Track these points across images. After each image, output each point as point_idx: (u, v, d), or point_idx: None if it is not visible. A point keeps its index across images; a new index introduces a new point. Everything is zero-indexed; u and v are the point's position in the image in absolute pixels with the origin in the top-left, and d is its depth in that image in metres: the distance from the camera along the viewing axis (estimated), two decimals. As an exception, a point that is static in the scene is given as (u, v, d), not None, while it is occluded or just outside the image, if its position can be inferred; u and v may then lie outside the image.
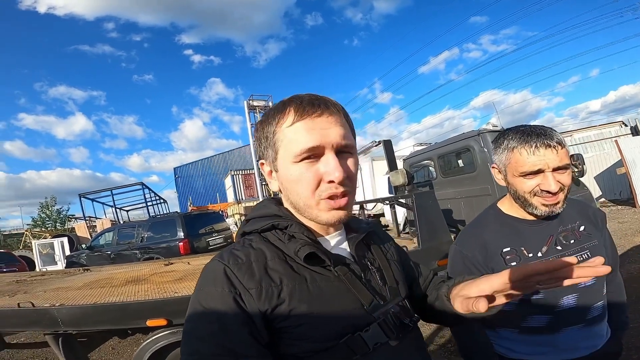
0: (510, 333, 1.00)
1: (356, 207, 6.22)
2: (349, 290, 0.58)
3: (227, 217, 13.62)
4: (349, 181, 0.58)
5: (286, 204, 0.65)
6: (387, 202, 3.70)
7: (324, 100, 0.60)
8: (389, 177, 9.60)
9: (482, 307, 0.50)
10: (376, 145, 4.55)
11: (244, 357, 0.49)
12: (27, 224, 30.50)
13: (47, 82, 66.35)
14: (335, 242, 0.65)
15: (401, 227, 4.60)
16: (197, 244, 6.98)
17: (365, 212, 5.00)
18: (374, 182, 11.88)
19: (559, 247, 0.97)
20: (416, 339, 0.64)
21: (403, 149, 13.97)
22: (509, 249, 0.98)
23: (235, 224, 11.38)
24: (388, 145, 4.22)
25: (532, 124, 0.96)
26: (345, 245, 0.66)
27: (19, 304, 2.06)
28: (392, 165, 4.08)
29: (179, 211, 10.20)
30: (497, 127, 4.39)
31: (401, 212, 4.76)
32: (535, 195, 0.92)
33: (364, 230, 0.68)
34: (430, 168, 5.41)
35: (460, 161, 4.54)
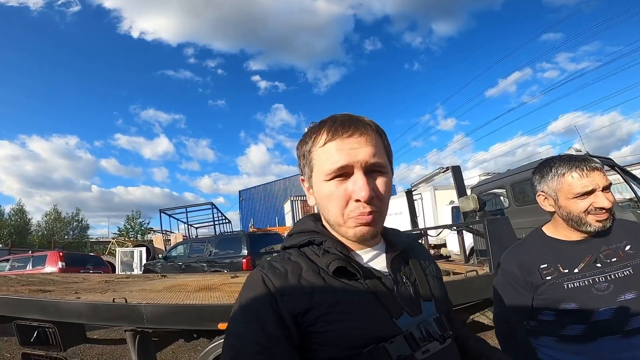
0: (551, 341, 1.09)
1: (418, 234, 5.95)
2: (377, 301, 0.59)
3: (285, 240, 14.15)
4: (378, 200, 0.61)
5: (323, 219, 0.70)
6: (455, 228, 3.51)
7: (357, 119, 0.63)
8: (452, 207, 9.16)
9: None
10: (443, 172, 4.41)
11: (278, 356, 0.53)
12: (113, 233, 34.78)
13: (140, 105, 75.63)
14: (371, 256, 0.67)
15: (466, 256, 4.29)
16: (258, 261, 7.33)
17: (429, 240, 4.77)
18: (436, 211, 11.32)
19: (598, 265, 1.04)
20: (449, 356, 0.63)
21: (468, 178, 13.16)
22: (546, 265, 1.08)
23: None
24: (457, 172, 4.09)
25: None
26: (381, 259, 0.68)
27: (114, 299, 2.31)
28: (462, 192, 3.92)
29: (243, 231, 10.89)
30: (582, 152, 3.99)
31: (468, 242, 4.46)
32: (589, 213, 1.02)
33: (402, 245, 0.70)
34: (502, 197, 5.06)
35: (537, 190, 4.18)
